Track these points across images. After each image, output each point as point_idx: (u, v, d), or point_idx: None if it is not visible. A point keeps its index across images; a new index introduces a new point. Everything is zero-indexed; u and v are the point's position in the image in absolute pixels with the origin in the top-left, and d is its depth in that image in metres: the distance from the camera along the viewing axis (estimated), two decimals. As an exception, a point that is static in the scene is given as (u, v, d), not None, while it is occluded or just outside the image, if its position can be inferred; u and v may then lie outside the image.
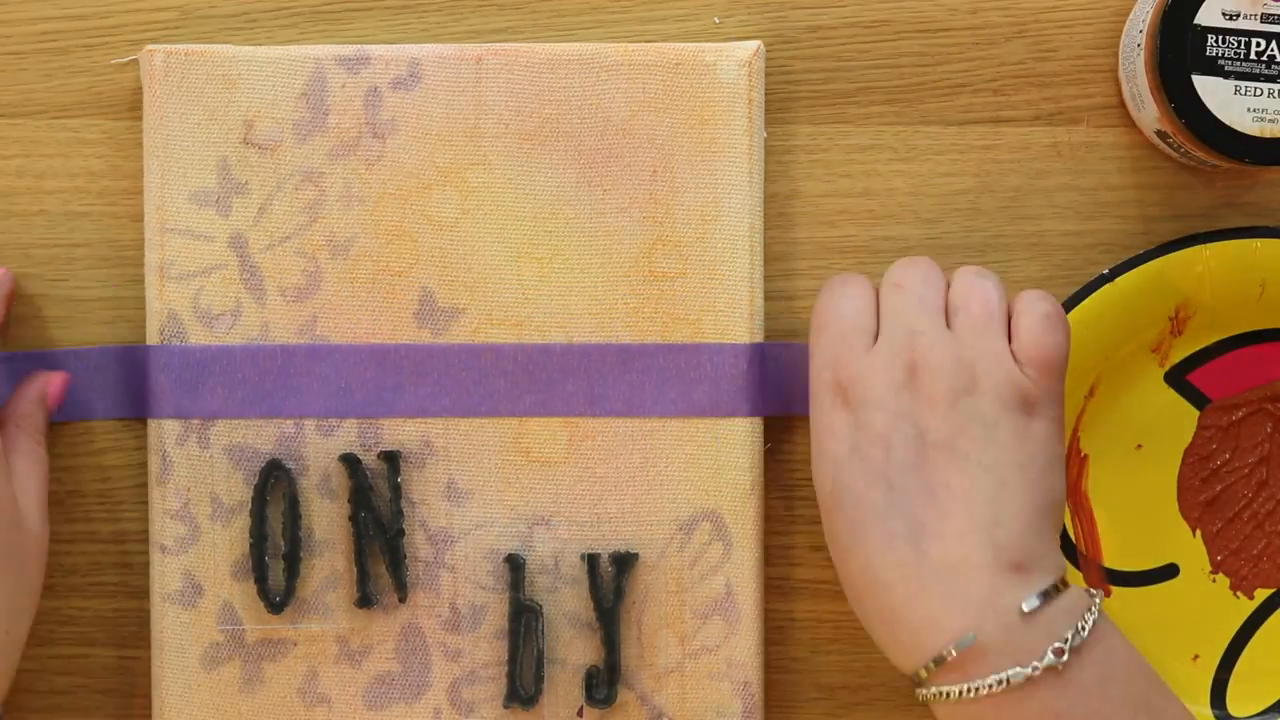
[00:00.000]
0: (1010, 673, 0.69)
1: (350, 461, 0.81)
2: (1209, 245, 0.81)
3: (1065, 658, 0.69)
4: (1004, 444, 0.72)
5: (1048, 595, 0.70)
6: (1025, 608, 0.70)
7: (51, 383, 0.81)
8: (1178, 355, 0.84)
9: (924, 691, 0.72)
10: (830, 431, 0.74)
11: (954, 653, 0.70)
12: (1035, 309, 0.74)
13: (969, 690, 0.70)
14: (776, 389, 0.82)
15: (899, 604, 0.72)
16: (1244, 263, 0.81)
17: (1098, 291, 0.81)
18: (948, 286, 0.76)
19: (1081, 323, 0.81)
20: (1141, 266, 0.81)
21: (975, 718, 0.71)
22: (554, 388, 0.82)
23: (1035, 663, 0.69)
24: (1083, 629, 0.70)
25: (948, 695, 0.70)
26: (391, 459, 0.81)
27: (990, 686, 0.70)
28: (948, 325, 0.74)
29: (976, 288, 0.75)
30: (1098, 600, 0.72)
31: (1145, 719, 0.71)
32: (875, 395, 0.73)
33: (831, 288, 0.77)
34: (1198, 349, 0.84)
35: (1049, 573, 0.71)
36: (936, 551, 0.71)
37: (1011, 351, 0.74)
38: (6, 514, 0.76)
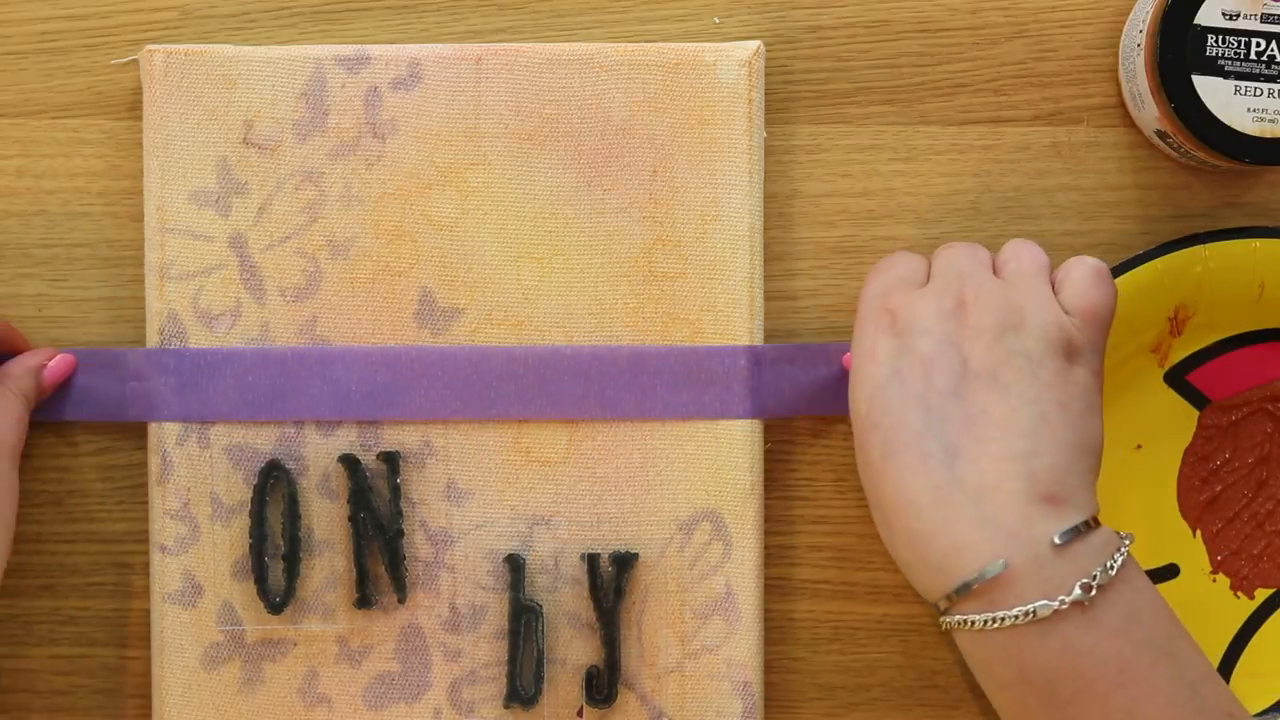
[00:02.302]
0: (1038, 605, 0.69)
1: (350, 462, 0.81)
2: (1208, 245, 0.81)
3: (1093, 594, 0.69)
4: (1046, 381, 0.72)
5: (1079, 531, 0.70)
6: (1057, 539, 0.69)
7: (54, 361, 0.81)
8: (1177, 355, 0.84)
9: (947, 620, 0.71)
10: (872, 355, 0.74)
11: (983, 579, 0.69)
12: (1084, 264, 0.75)
13: (993, 620, 0.69)
14: (780, 391, 0.82)
15: (929, 527, 0.71)
16: (1243, 263, 0.81)
17: (1098, 291, 0.81)
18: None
19: (1082, 322, 0.81)
20: (1141, 266, 0.81)
21: (997, 649, 0.70)
22: (560, 391, 0.82)
23: (1063, 596, 0.69)
24: (1110, 567, 0.69)
25: (971, 624, 0.70)
26: (391, 460, 0.81)
27: (1015, 618, 0.69)
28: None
29: (1026, 247, 0.76)
30: (1127, 542, 0.71)
31: (1167, 663, 0.70)
32: (922, 321, 0.73)
33: (885, 258, 0.78)
34: (1197, 349, 0.84)
35: (1082, 509, 0.71)
36: (971, 475, 0.70)
37: (1059, 302, 0.74)
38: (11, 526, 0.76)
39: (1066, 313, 0.74)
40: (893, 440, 0.72)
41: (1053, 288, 0.75)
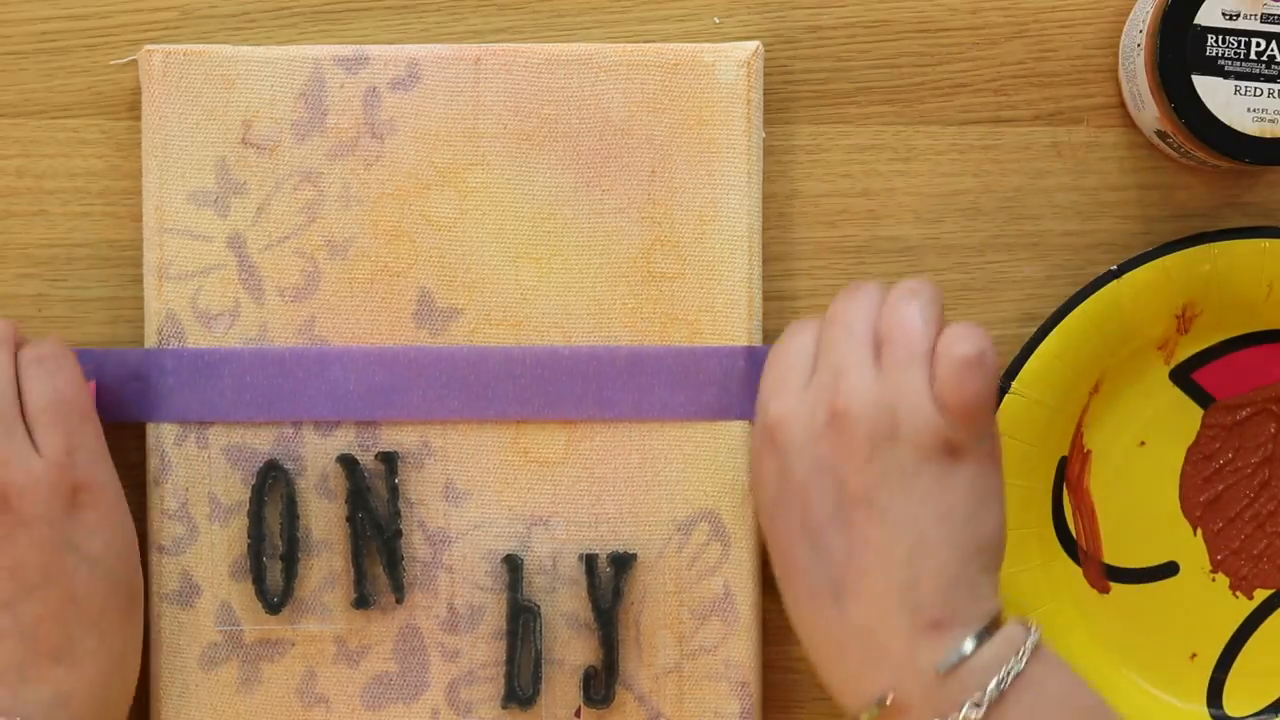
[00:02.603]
0: None
1: (348, 462, 0.81)
2: (1217, 244, 0.81)
3: (983, 710, 0.68)
4: (924, 494, 0.71)
5: (979, 639, 0.70)
6: (940, 668, 0.69)
7: None
8: (1183, 353, 0.84)
9: None
10: (761, 474, 0.74)
11: (875, 710, 0.70)
12: (953, 353, 0.71)
13: None
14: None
15: (825, 660, 0.72)
16: (1252, 263, 0.81)
17: (1104, 288, 0.81)
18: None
19: (1087, 319, 0.81)
20: (1148, 264, 0.81)
21: None
22: (559, 392, 0.82)
23: (954, 716, 0.69)
24: (1007, 676, 0.69)
25: None
26: (389, 460, 0.81)
27: None
28: (878, 356, 0.73)
29: (903, 316, 0.72)
30: (1032, 638, 0.70)
31: None
32: (797, 441, 0.72)
33: (791, 327, 0.76)
34: (1203, 348, 0.84)
35: (975, 621, 0.70)
36: (856, 612, 0.70)
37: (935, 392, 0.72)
38: (136, 547, 0.76)
39: (941, 408, 0.71)
40: (786, 568, 0.73)
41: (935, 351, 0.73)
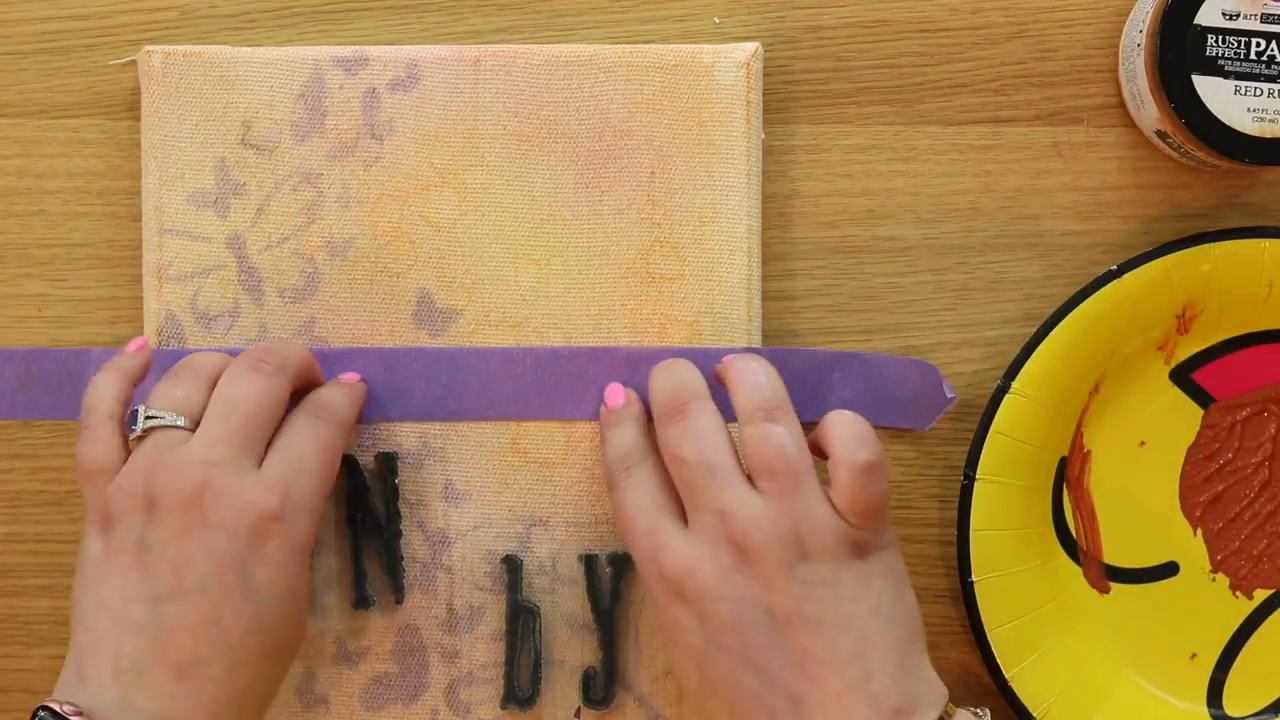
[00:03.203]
0: None
1: (348, 463, 0.81)
2: (1217, 245, 0.81)
3: None
4: (852, 595, 0.72)
5: None
6: None
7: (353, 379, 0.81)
8: (1183, 353, 0.84)
9: None
10: (678, 627, 0.73)
11: None
12: (855, 461, 0.73)
13: None
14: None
15: None
16: (1252, 263, 0.81)
17: (1105, 288, 0.81)
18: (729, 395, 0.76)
19: (1088, 319, 0.81)
20: (1149, 264, 0.81)
21: None
22: (558, 392, 0.82)
23: None
24: None
25: None
26: (389, 460, 0.81)
27: None
28: (750, 480, 0.73)
29: (769, 441, 0.73)
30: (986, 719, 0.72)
31: None
32: (710, 587, 0.72)
33: (622, 483, 0.75)
34: (1203, 348, 0.84)
35: (933, 705, 0.71)
36: (820, 718, 0.71)
37: (830, 499, 0.73)
38: (301, 607, 0.75)
39: (842, 513, 0.73)
40: (738, 704, 0.72)
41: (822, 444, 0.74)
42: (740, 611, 0.71)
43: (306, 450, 0.74)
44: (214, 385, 0.76)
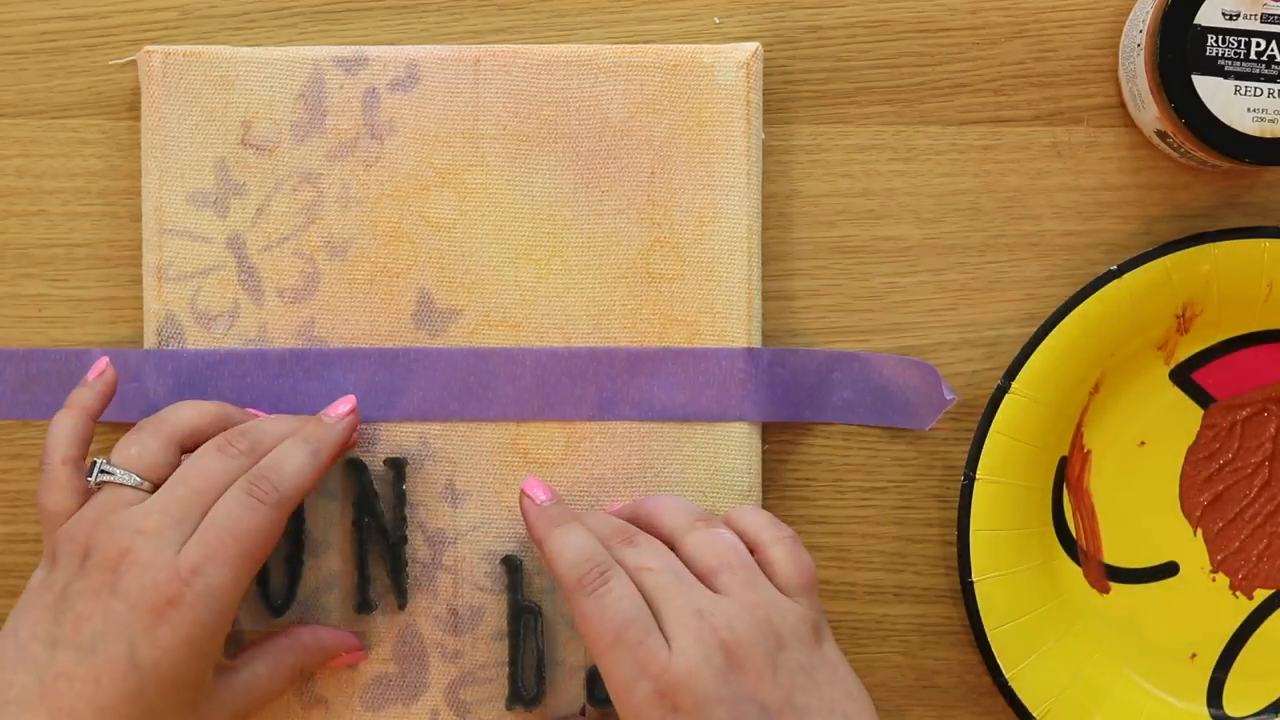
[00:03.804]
0: None
1: (356, 467, 0.81)
2: (1217, 245, 0.81)
3: None
4: (827, 681, 0.73)
5: None
6: None
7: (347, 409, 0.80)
8: (1183, 353, 0.84)
9: None
10: None
11: None
12: (781, 538, 0.76)
13: None
14: (777, 393, 0.82)
15: None
16: (1252, 263, 0.81)
17: (1105, 288, 0.81)
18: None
19: (1088, 319, 0.81)
20: (1149, 264, 0.81)
21: None
22: (558, 393, 0.82)
23: None
24: None
25: None
26: (397, 466, 0.81)
27: None
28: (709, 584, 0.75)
29: (719, 540, 0.76)
30: None
31: None
32: (709, 692, 0.71)
33: (598, 592, 0.74)
34: (1203, 348, 0.84)
35: None
36: None
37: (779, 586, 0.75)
38: (189, 697, 0.74)
39: (790, 594, 0.75)
40: None
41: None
42: (738, 711, 0.71)
43: (226, 537, 0.73)
44: (179, 446, 0.77)
